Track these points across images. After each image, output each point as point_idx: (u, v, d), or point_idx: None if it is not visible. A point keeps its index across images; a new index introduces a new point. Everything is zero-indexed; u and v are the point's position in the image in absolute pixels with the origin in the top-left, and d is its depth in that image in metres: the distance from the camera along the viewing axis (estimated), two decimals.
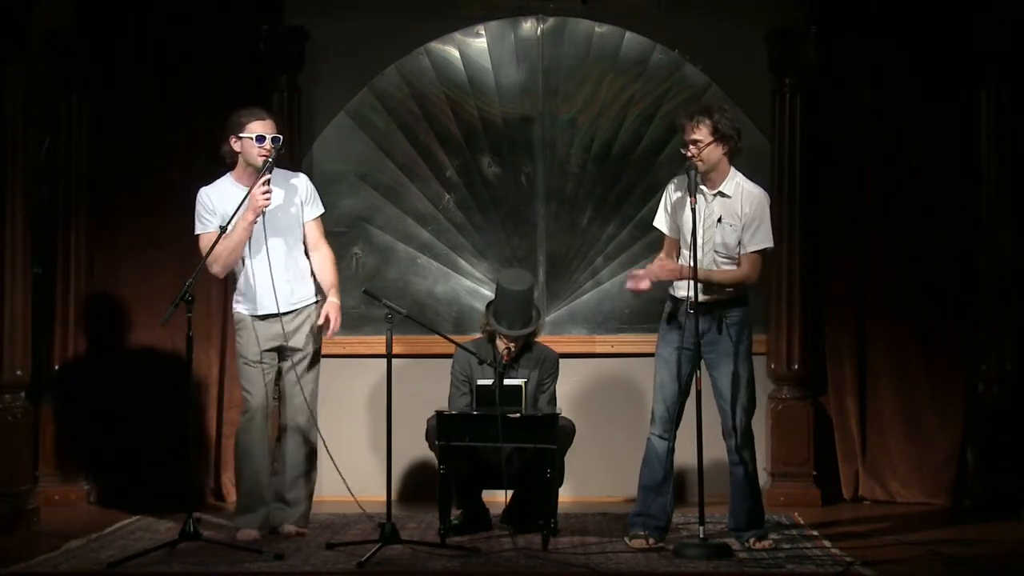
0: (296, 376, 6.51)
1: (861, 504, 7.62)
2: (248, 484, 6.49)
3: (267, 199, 6.33)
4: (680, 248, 6.31)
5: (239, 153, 6.45)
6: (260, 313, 6.47)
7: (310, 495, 6.66)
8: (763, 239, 6.25)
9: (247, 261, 6.45)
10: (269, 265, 6.38)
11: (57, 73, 7.58)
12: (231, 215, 6.30)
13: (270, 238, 6.39)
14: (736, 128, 6.23)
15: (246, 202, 6.30)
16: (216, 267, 6.44)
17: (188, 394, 6.58)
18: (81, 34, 7.63)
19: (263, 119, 6.44)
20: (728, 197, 6.23)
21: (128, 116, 7.70)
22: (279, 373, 6.57)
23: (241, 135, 6.41)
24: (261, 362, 6.47)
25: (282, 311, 6.44)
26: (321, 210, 6.64)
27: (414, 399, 7.11)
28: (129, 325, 7.68)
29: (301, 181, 6.62)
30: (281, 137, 6.46)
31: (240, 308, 6.53)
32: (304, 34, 7.73)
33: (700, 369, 6.12)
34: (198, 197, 6.49)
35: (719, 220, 6.21)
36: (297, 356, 6.52)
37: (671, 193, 6.36)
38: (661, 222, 6.41)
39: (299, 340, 6.51)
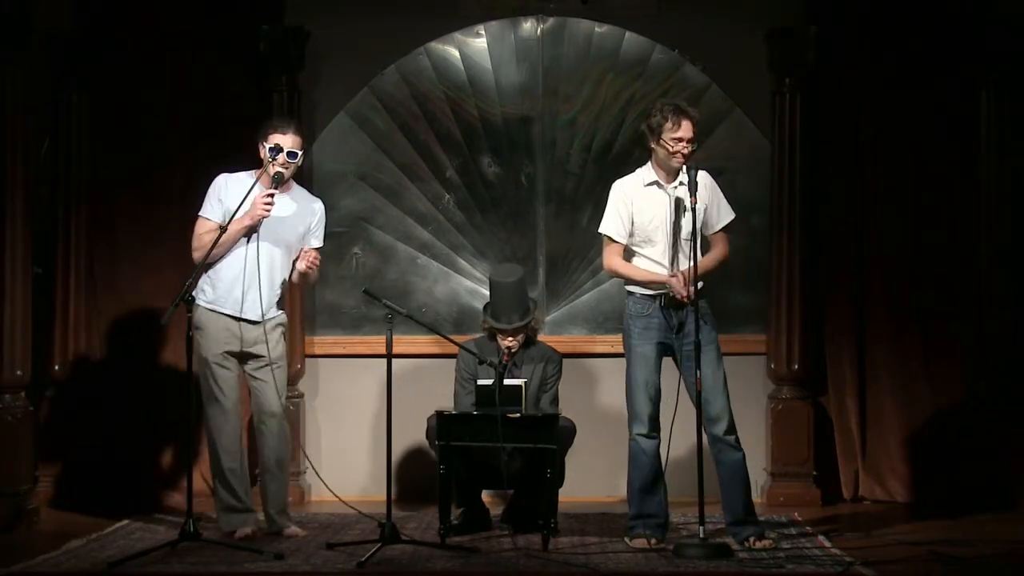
0: (270, 378, 6.44)
1: (861, 504, 7.62)
2: (228, 483, 6.47)
3: (267, 211, 6.32)
4: (637, 249, 6.31)
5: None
6: (227, 312, 6.39)
7: (287, 491, 6.66)
8: (727, 213, 6.38)
9: (229, 258, 6.39)
10: (258, 271, 6.33)
11: (57, 73, 7.57)
12: (232, 212, 6.30)
13: (262, 244, 6.36)
14: None
15: (246, 204, 6.30)
16: (198, 255, 6.37)
17: (188, 394, 6.58)
18: (81, 34, 7.62)
19: (284, 132, 6.40)
20: (685, 185, 6.25)
21: (128, 116, 7.69)
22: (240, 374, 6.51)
23: (264, 143, 6.41)
24: (225, 363, 6.42)
25: (252, 319, 6.39)
26: (321, 244, 6.61)
27: (414, 399, 7.11)
28: (129, 325, 7.67)
29: (317, 207, 6.61)
30: (299, 153, 6.43)
31: (205, 303, 6.40)
32: (304, 34, 7.72)
33: (693, 363, 6.11)
34: (216, 179, 6.48)
35: (684, 210, 6.24)
36: (263, 361, 6.44)
37: (629, 197, 6.31)
38: (616, 229, 6.34)
39: (261, 348, 6.44)
